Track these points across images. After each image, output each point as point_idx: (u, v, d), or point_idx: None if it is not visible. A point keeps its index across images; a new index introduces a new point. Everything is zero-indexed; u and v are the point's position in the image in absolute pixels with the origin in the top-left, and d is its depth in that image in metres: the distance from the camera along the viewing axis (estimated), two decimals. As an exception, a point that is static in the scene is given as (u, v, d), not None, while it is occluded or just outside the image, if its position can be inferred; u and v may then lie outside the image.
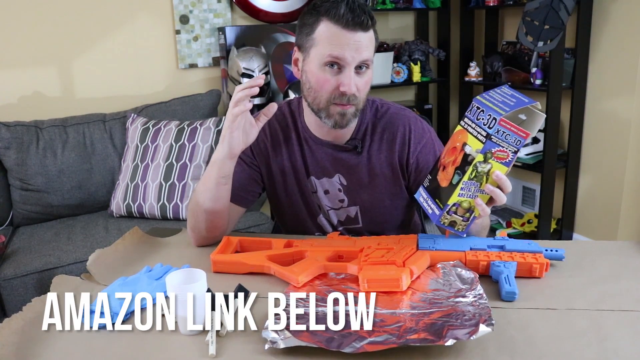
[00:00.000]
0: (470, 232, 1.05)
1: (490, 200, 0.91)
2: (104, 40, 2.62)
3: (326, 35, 1.06)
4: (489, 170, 0.87)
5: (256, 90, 1.00)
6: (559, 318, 0.83)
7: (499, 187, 0.89)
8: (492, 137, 0.84)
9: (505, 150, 0.86)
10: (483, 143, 0.85)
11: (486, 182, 0.88)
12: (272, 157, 1.23)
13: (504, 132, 0.84)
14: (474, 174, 0.87)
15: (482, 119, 0.87)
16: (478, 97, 0.92)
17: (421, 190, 1.00)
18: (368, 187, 1.21)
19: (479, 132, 0.87)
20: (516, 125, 0.84)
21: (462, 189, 0.88)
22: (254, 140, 1.20)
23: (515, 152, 0.86)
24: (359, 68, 1.07)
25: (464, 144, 0.90)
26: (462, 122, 0.93)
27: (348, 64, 1.05)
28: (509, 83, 2.88)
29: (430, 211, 0.95)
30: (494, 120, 0.84)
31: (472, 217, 0.92)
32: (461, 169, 0.89)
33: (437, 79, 3.36)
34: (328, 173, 1.21)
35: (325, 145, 1.20)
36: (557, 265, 0.99)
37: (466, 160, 0.88)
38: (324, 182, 1.22)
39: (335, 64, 1.06)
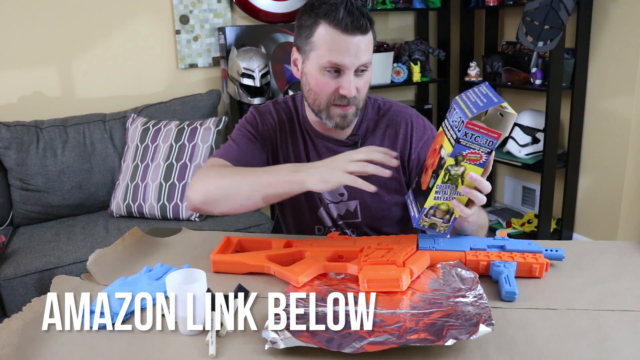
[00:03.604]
0: (466, 231, 1.05)
1: (470, 201, 0.90)
2: (104, 40, 2.62)
3: (325, 40, 1.05)
4: (463, 173, 0.86)
5: (388, 173, 0.95)
6: (559, 318, 0.83)
7: (476, 188, 0.88)
8: (460, 140, 0.83)
9: (477, 152, 0.84)
10: (452, 146, 0.84)
11: (462, 184, 0.87)
12: (279, 145, 1.24)
13: (472, 134, 0.82)
14: (447, 177, 0.86)
15: (455, 120, 0.86)
16: (457, 97, 0.91)
17: (410, 192, 1.01)
18: (368, 182, 1.21)
19: (450, 135, 0.86)
20: (485, 127, 0.82)
21: (436, 192, 0.87)
22: (264, 127, 1.22)
23: (489, 153, 0.84)
24: (358, 70, 1.08)
25: (441, 147, 0.89)
26: (442, 124, 0.92)
27: (348, 69, 1.06)
28: (509, 83, 2.88)
29: (412, 214, 0.95)
30: (461, 124, 0.83)
31: (452, 218, 0.91)
32: (436, 172, 0.88)
33: (437, 79, 3.36)
34: None
35: (326, 140, 1.22)
36: (557, 265, 0.99)
37: (440, 164, 0.87)
38: None
39: (336, 68, 1.07)
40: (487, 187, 0.88)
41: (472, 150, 0.84)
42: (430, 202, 0.89)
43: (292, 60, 1.17)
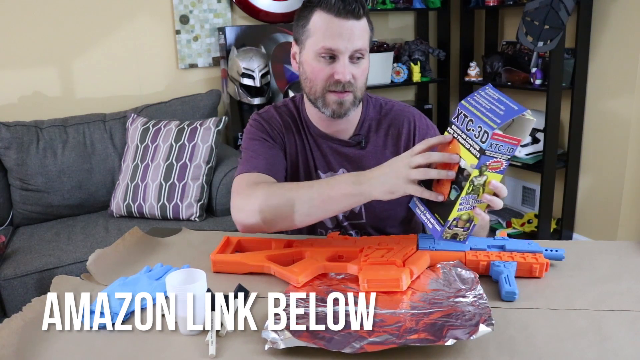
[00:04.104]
0: None
1: (488, 206, 0.90)
2: (104, 40, 2.62)
3: (319, 26, 1.08)
4: (485, 181, 0.86)
5: (452, 174, 0.87)
6: (559, 318, 0.83)
7: (495, 193, 0.88)
8: (486, 151, 0.82)
9: (499, 160, 0.84)
10: (477, 158, 0.83)
11: (483, 193, 0.87)
12: (287, 148, 1.24)
13: (496, 144, 0.82)
14: (471, 189, 0.85)
15: (472, 129, 0.84)
16: (463, 102, 0.89)
17: (416, 200, 0.97)
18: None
19: (471, 146, 0.85)
20: (508, 136, 0.82)
21: (460, 204, 0.86)
22: (274, 132, 1.22)
23: (509, 159, 0.84)
24: (353, 57, 1.09)
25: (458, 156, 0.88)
26: (449, 130, 0.90)
27: (342, 54, 1.08)
28: (509, 83, 2.88)
29: (430, 226, 0.93)
30: (485, 134, 0.82)
31: (472, 225, 0.91)
32: (457, 184, 0.87)
33: (437, 79, 3.36)
34: (333, 167, 1.23)
35: (329, 140, 1.22)
36: (557, 265, 0.99)
37: (462, 174, 0.86)
38: (329, 176, 1.23)
39: (330, 54, 1.08)
40: (505, 191, 0.88)
41: (495, 159, 0.83)
42: (454, 214, 0.87)
43: (292, 54, 1.19)
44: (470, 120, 0.85)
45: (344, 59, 1.08)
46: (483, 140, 0.82)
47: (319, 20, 1.08)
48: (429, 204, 0.93)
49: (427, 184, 0.93)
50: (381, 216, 1.24)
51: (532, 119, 0.85)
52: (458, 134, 0.88)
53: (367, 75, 1.14)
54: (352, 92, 1.11)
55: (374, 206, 1.23)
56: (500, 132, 0.81)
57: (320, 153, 1.23)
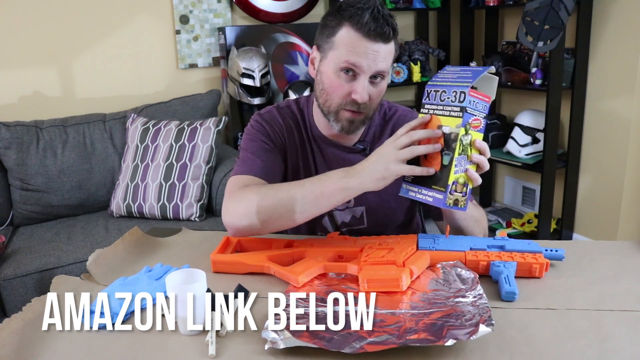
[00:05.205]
0: (463, 226, 1.08)
1: (478, 168, 0.94)
2: (104, 41, 2.62)
3: (346, 41, 1.05)
4: (471, 141, 0.91)
5: (439, 146, 0.91)
6: (559, 318, 0.83)
7: (480, 153, 0.93)
8: (467, 109, 0.89)
9: (478, 117, 0.90)
10: (461, 117, 0.89)
11: (472, 152, 0.91)
12: (287, 152, 1.23)
13: (474, 101, 0.89)
14: (461, 149, 0.90)
15: (448, 97, 0.91)
16: (429, 82, 0.96)
17: (405, 185, 0.98)
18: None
19: (451, 110, 0.91)
20: (481, 93, 0.90)
21: (456, 166, 0.90)
22: (275, 135, 1.21)
23: (485, 118, 0.91)
24: (373, 78, 1.07)
25: (439, 127, 0.92)
26: (423, 111, 0.96)
27: (363, 72, 1.05)
28: (509, 83, 2.88)
29: (430, 199, 0.94)
30: (462, 94, 0.89)
31: (468, 190, 0.94)
32: (448, 149, 0.91)
33: (437, 79, 3.36)
34: None
35: (333, 146, 1.21)
36: (557, 265, 0.99)
37: (450, 139, 0.90)
38: None
39: (351, 71, 1.06)
40: (489, 151, 0.93)
41: (475, 117, 0.90)
42: (452, 177, 0.90)
43: (310, 58, 1.16)
44: (443, 91, 0.93)
45: (365, 78, 1.05)
46: (461, 100, 0.90)
47: (346, 36, 1.05)
48: (421, 181, 0.96)
49: (413, 164, 0.97)
50: (382, 221, 1.24)
51: (496, 77, 0.94)
52: (434, 109, 0.95)
53: (382, 96, 1.12)
54: (365, 112, 1.10)
55: (375, 210, 1.23)
56: (474, 90, 0.89)
57: (323, 157, 1.22)
